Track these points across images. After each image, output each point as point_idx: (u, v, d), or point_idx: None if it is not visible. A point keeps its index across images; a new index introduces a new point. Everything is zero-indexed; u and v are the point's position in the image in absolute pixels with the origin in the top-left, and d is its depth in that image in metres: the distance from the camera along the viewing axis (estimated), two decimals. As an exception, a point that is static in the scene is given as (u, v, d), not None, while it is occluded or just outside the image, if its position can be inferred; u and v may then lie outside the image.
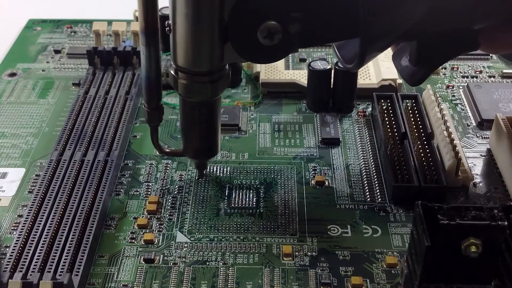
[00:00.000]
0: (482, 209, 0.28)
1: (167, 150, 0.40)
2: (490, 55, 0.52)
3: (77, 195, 0.37)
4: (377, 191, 0.40)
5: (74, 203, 0.36)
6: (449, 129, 0.41)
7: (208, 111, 0.36)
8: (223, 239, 0.36)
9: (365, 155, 0.43)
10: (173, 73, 0.35)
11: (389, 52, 0.50)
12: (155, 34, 0.34)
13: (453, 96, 0.48)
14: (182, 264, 0.35)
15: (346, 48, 0.35)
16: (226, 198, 0.39)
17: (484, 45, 0.35)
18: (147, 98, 0.37)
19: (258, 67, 0.49)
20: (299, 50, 0.34)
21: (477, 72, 0.51)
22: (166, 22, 0.33)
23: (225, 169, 0.41)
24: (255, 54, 0.33)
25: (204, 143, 0.38)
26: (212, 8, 0.32)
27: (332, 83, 0.46)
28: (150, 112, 0.37)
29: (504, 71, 0.51)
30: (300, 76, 0.48)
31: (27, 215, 0.36)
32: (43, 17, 0.59)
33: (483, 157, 0.42)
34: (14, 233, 0.36)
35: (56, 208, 0.36)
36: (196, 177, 0.40)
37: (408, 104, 0.45)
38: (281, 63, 0.50)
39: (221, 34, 0.32)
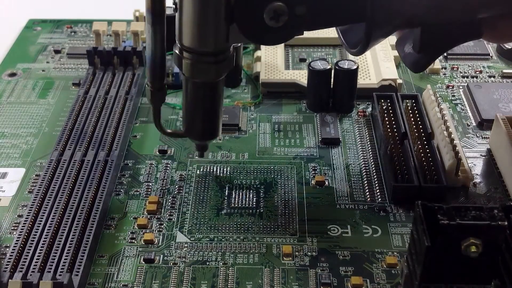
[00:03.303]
0: (482, 209, 0.28)
1: (169, 131, 0.40)
2: (490, 55, 0.52)
3: (77, 195, 0.37)
4: (377, 191, 0.40)
5: (74, 203, 0.36)
6: (449, 129, 0.41)
7: (211, 92, 0.36)
8: (223, 239, 0.36)
9: (365, 155, 0.42)
10: (178, 52, 0.35)
11: (389, 52, 0.50)
12: (161, 13, 0.33)
13: (453, 96, 0.48)
14: (182, 264, 0.35)
15: (351, 33, 0.35)
16: (226, 198, 0.39)
17: (487, 34, 0.35)
18: (151, 78, 0.36)
19: (258, 67, 0.49)
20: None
21: (477, 72, 0.51)
22: (173, 1, 0.33)
23: (225, 169, 0.41)
24: (260, 35, 0.33)
25: (206, 124, 0.38)
26: None
27: (332, 83, 0.46)
28: (153, 92, 0.37)
29: (504, 71, 0.51)
30: (300, 76, 0.48)
31: (27, 215, 0.36)
32: (43, 17, 0.59)
33: (483, 157, 0.42)
34: (14, 233, 0.36)
35: (56, 208, 0.36)
36: (197, 156, 0.41)
37: (408, 104, 0.44)
38: (281, 63, 0.50)
39: (227, 14, 0.32)
